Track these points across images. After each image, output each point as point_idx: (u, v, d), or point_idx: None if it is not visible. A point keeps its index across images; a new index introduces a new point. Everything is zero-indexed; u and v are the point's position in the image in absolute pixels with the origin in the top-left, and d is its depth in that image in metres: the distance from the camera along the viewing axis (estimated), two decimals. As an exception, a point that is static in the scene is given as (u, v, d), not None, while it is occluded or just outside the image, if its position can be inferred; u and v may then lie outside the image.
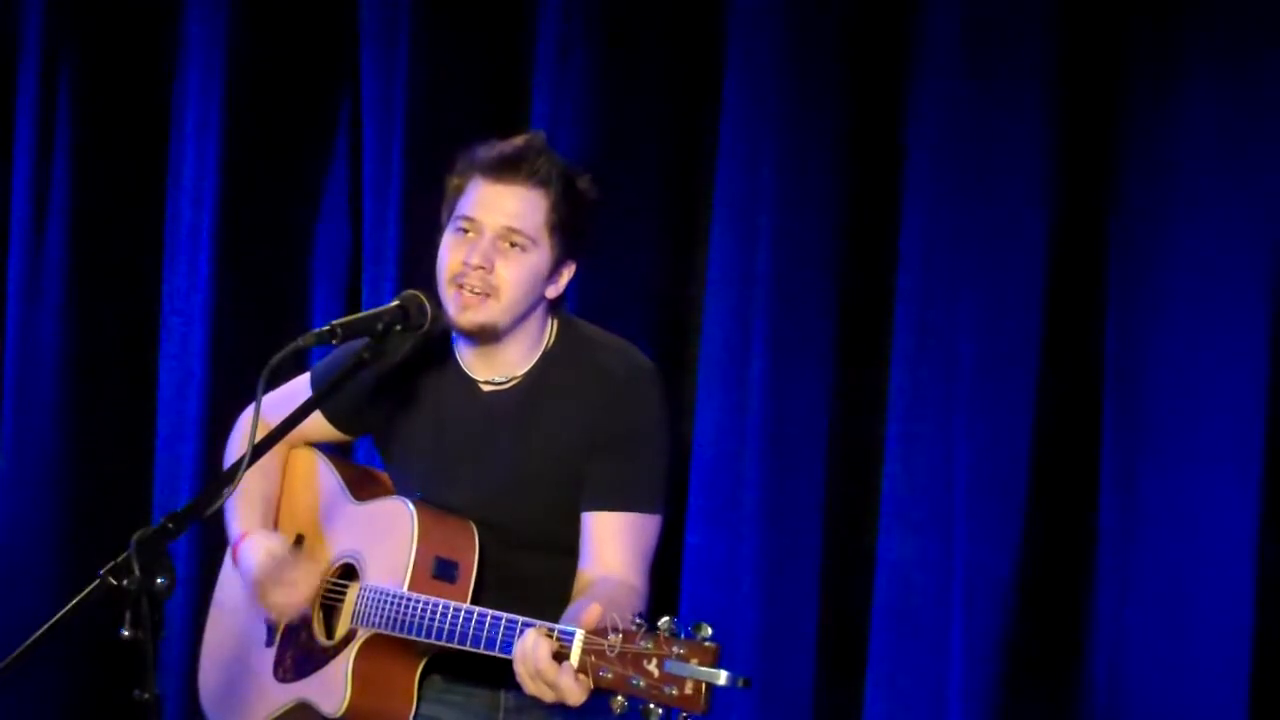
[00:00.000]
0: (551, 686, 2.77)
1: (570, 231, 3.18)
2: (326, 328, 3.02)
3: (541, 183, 3.15)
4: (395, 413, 3.31)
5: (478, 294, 3.12)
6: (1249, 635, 3.71)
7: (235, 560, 3.35)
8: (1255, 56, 3.75)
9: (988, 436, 3.93)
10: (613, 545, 3.12)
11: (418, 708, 3.17)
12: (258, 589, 3.26)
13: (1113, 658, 3.83)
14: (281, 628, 3.34)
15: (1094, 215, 3.90)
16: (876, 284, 4.09)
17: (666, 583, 4.05)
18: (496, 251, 3.13)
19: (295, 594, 3.24)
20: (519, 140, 3.19)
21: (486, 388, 3.25)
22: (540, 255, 3.15)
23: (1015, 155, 3.93)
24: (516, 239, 3.13)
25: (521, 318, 3.18)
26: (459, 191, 3.19)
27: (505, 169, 3.15)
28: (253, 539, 3.32)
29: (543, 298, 3.20)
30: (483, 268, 3.12)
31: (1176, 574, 3.78)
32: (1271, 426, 3.73)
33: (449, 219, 3.20)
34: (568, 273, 3.22)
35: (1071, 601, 3.91)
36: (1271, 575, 3.72)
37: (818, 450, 4.12)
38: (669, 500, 3.21)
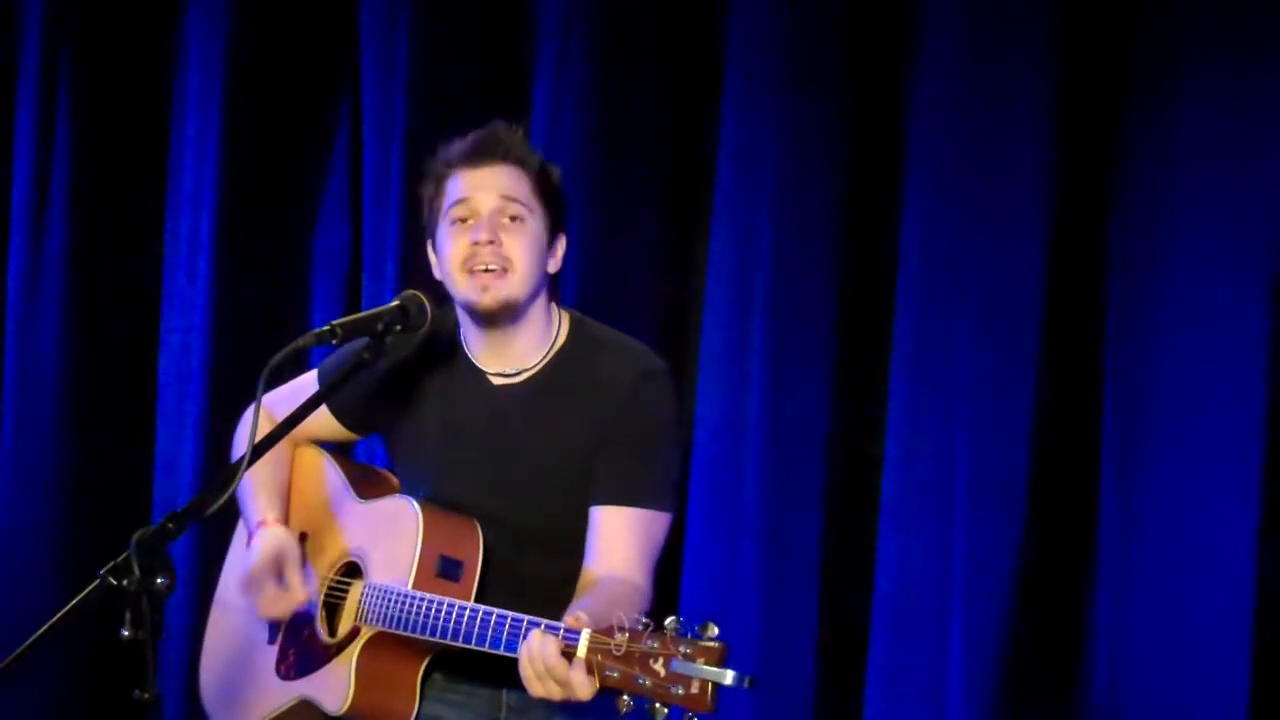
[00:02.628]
0: (561, 684, 2.77)
1: (554, 201, 3.25)
2: (326, 328, 3.03)
3: (519, 159, 3.23)
4: (404, 409, 3.32)
5: (494, 271, 3.15)
6: (1249, 635, 3.71)
7: (251, 542, 3.35)
8: (1255, 56, 3.75)
9: (988, 436, 3.93)
10: (619, 541, 3.12)
11: (420, 706, 3.17)
12: (252, 578, 3.27)
13: (1113, 658, 3.83)
14: (286, 622, 3.34)
15: (1094, 215, 3.90)
16: (876, 284, 4.09)
17: (666, 583, 4.05)
18: (499, 227, 3.17)
19: (281, 602, 3.26)
20: (478, 131, 3.25)
21: (496, 380, 3.26)
22: (537, 223, 3.21)
23: (1015, 155, 3.93)
24: (514, 209, 3.19)
25: (534, 294, 3.20)
26: (439, 192, 3.24)
27: (483, 153, 3.22)
28: (271, 530, 3.32)
29: (546, 274, 3.23)
30: (492, 242, 3.16)
31: (1176, 574, 3.78)
32: (1271, 426, 3.73)
33: (437, 220, 3.23)
34: (561, 246, 3.27)
35: (1071, 601, 3.91)
36: (1271, 575, 3.72)
37: (818, 450, 4.12)
38: (677, 500, 3.22)
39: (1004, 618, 3.90)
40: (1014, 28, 3.94)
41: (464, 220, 3.19)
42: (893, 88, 4.09)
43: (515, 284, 3.17)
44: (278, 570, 3.26)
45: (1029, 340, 3.92)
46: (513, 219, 3.18)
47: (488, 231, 3.16)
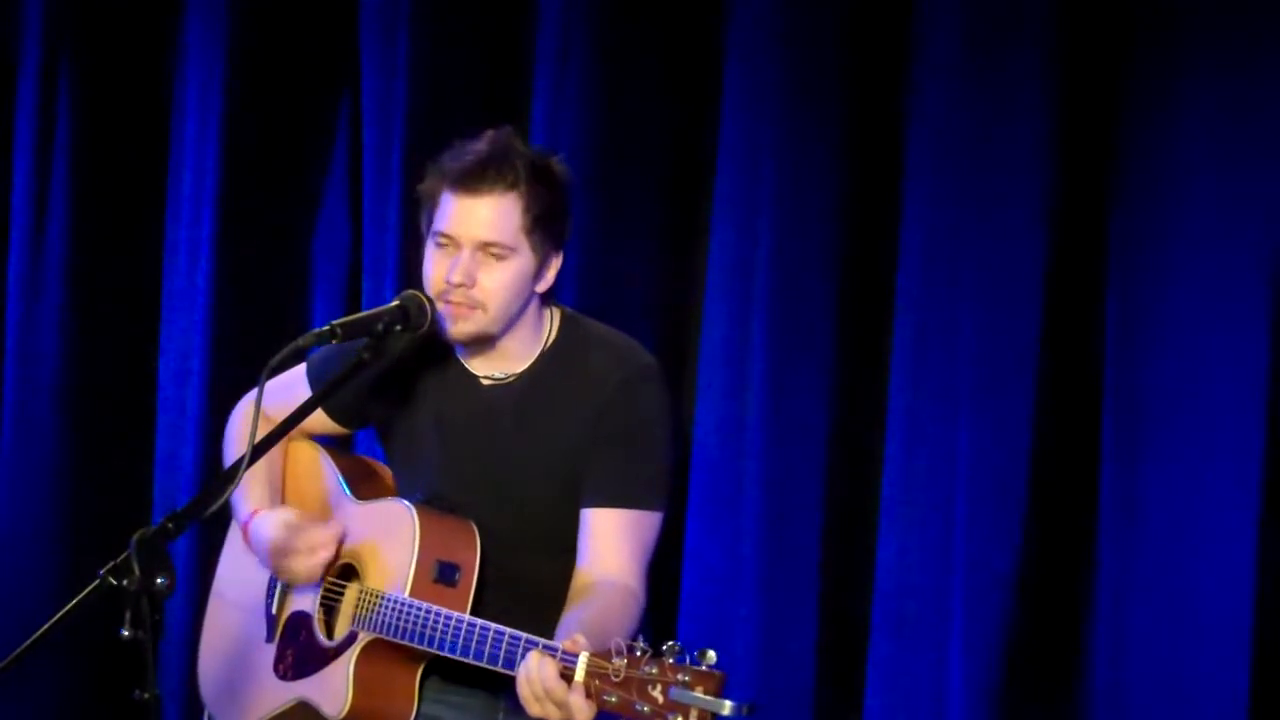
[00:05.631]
0: (560, 706, 2.76)
1: (549, 226, 3.15)
2: (326, 328, 3.03)
3: (510, 186, 3.11)
4: (396, 409, 3.31)
5: (465, 307, 3.12)
6: (1249, 635, 3.71)
7: (247, 537, 3.34)
8: (1255, 57, 3.75)
9: (988, 436, 3.93)
10: (612, 543, 3.11)
11: (418, 708, 3.17)
12: (275, 558, 3.26)
13: (1113, 657, 3.83)
14: (284, 621, 3.34)
15: (1094, 215, 3.90)
16: (876, 283, 4.09)
17: (666, 583, 4.06)
18: (477, 265, 3.11)
19: (313, 559, 3.24)
20: (483, 145, 3.15)
21: (486, 383, 3.24)
22: (522, 259, 3.13)
23: (1015, 155, 3.93)
24: (494, 249, 3.11)
25: (514, 319, 3.18)
26: (433, 202, 3.18)
27: (472, 179, 3.11)
28: (264, 514, 3.32)
29: (533, 294, 3.19)
30: (464, 285, 3.11)
31: (1176, 574, 3.78)
32: (1271, 426, 3.73)
33: (427, 228, 3.19)
34: (555, 265, 3.20)
35: (1071, 601, 3.91)
36: (1271, 575, 3.72)
37: (818, 450, 4.12)
38: (670, 498, 3.21)
39: (1004, 617, 3.91)
40: (1014, 25, 3.93)
41: (445, 246, 3.14)
42: (893, 86, 4.08)
43: (485, 322, 3.13)
44: (294, 541, 3.24)
45: (1029, 340, 3.92)
46: (495, 256, 3.12)
47: (462, 273, 3.10)
